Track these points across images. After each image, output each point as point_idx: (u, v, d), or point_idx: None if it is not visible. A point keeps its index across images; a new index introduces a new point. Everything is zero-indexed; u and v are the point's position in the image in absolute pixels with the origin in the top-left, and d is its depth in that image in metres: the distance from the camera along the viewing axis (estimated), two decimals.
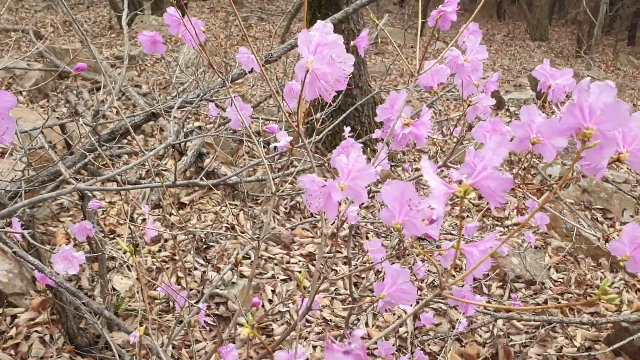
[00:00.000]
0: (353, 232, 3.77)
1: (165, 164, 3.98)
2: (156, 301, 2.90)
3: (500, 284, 3.48)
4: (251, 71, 1.61)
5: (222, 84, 2.07)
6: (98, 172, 2.21)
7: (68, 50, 5.76)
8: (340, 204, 0.69)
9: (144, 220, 3.46)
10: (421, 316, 1.47)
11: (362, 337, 0.91)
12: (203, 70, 4.75)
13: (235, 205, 3.81)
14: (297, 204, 3.94)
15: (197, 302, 2.63)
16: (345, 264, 3.44)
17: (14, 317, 2.61)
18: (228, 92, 1.16)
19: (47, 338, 2.55)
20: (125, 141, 3.82)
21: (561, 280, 3.63)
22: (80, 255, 1.09)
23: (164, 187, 1.19)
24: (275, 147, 1.03)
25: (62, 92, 5.22)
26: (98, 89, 5.06)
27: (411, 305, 1.29)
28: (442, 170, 1.43)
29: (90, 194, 1.83)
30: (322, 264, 3.15)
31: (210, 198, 3.83)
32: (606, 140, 0.50)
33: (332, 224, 0.83)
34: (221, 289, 2.96)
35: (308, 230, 3.73)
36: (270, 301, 3.04)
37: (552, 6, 16.06)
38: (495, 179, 0.48)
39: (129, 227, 2.51)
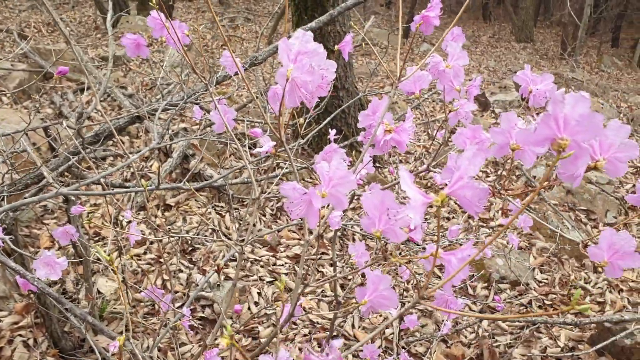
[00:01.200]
0: (339, 234, 3.78)
1: (151, 165, 3.96)
2: (141, 304, 2.88)
3: (486, 284, 3.51)
4: (236, 74, 1.61)
5: (206, 88, 2.06)
6: (82, 174, 2.20)
7: (53, 50, 5.70)
8: (320, 210, 0.69)
9: (129, 222, 3.44)
10: (406, 319, 1.48)
11: (346, 343, 0.91)
12: (188, 73, 4.73)
13: (222, 207, 3.80)
14: (284, 205, 3.93)
15: (181, 306, 2.62)
16: (331, 265, 3.44)
17: None
18: (212, 96, 1.16)
19: (30, 342, 2.52)
20: (110, 143, 3.79)
21: (545, 280, 3.67)
22: (62, 261, 1.09)
23: (146, 190, 1.18)
24: (259, 152, 1.03)
25: (47, 93, 5.17)
26: (82, 90, 5.02)
27: (396, 308, 1.29)
28: (428, 172, 1.45)
29: (73, 198, 1.82)
30: (305, 269, 3.16)
31: (195, 200, 3.82)
32: (581, 151, 0.51)
33: (317, 228, 0.84)
34: (207, 292, 2.95)
35: (294, 232, 3.73)
36: (256, 303, 3.04)
37: (537, 8, 16.21)
38: (471, 188, 0.49)
39: (114, 231, 2.49)
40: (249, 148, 3.97)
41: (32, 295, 2.63)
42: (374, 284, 0.76)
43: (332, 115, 3.23)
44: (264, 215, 3.82)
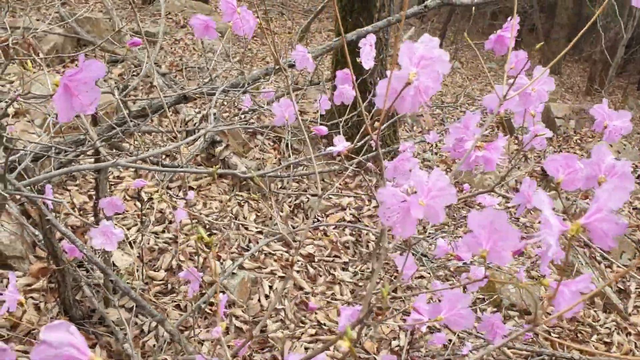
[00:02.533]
0: (353, 240, 3.76)
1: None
2: (154, 282, 2.88)
3: (495, 309, 3.49)
4: (293, 66, 1.60)
5: (266, 74, 2.06)
6: (120, 146, 2.20)
7: (90, 18, 5.72)
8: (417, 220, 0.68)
9: (150, 199, 3.44)
10: (435, 335, 1.46)
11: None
12: (239, 60, 4.73)
13: (241, 196, 3.80)
14: (301, 203, 3.92)
15: (203, 293, 2.62)
16: (344, 269, 3.43)
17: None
18: (290, 93, 1.15)
19: (42, 306, 2.52)
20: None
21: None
22: (119, 232, 1.08)
23: (215, 175, 1.18)
24: (333, 152, 1.02)
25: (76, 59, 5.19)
26: (116, 62, 5.04)
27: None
28: (491, 194, 1.43)
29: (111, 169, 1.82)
30: (315, 269, 3.12)
31: (217, 186, 3.82)
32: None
33: (391, 240, 0.82)
34: (221, 279, 2.94)
35: (309, 232, 3.72)
36: (266, 296, 3.03)
37: (569, 42, 16.11)
38: (610, 222, 0.48)
39: (170, 203, 2.49)
40: (274, 142, 3.96)
41: (49, 259, 2.63)
42: (450, 302, 0.75)
43: (392, 120, 3.21)
44: (281, 211, 3.82)
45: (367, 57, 1.34)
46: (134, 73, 4.84)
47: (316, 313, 3.04)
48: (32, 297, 2.53)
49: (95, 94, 0.66)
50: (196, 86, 2.29)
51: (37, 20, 5.62)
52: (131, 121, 1.82)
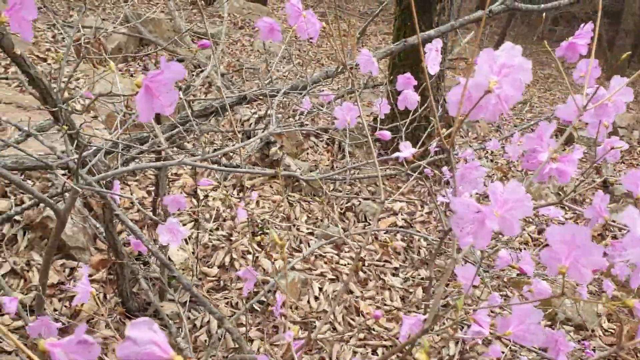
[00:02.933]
0: (404, 245, 3.73)
1: (233, 144, 4.03)
2: (208, 278, 2.94)
3: (549, 323, 3.38)
4: (352, 68, 1.59)
5: (327, 77, 2.07)
6: (181, 145, 2.25)
7: (153, 19, 5.89)
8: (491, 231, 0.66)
9: (205, 196, 3.51)
10: (491, 347, 1.43)
11: None
12: (300, 63, 4.78)
13: (293, 196, 3.82)
14: (353, 206, 3.92)
15: (256, 292, 2.65)
16: (394, 275, 3.40)
17: (72, 269, 2.68)
18: (353, 96, 1.15)
19: (100, 296, 2.61)
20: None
21: (612, 330, 3.50)
22: (184, 230, 1.11)
23: (280, 176, 1.19)
24: (397, 157, 1.01)
25: (141, 59, 5.35)
26: (178, 61, 5.16)
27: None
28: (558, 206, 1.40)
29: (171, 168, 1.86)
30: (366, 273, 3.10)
31: (270, 186, 3.86)
32: None
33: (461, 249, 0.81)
34: (272, 278, 2.97)
35: (360, 235, 3.71)
36: (316, 298, 3.04)
37: (635, 49, 15.49)
38: None
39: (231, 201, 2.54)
40: (327, 144, 3.97)
41: (109, 252, 2.72)
42: (520, 318, 0.73)
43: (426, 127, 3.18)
44: (333, 212, 3.82)
45: (433, 63, 1.32)
46: (194, 73, 4.96)
47: (365, 317, 3.02)
48: (93, 288, 2.62)
49: (174, 96, 0.68)
50: (256, 87, 2.33)
51: (103, 19, 5.83)
52: (193, 120, 1.86)
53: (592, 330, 3.43)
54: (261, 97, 2.06)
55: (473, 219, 0.66)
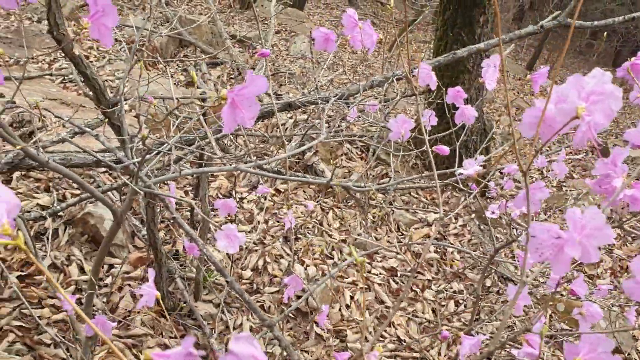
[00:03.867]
0: (438, 257, 3.70)
1: (269, 148, 4.06)
2: (241, 280, 2.96)
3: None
4: (400, 79, 1.59)
5: (371, 87, 2.07)
6: (225, 148, 2.27)
7: (193, 20, 5.96)
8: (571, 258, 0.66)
9: (242, 198, 3.54)
10: None
11: None
12: (343, 71, 4.79)
13: (326, 202, 3.83)
14: (386, 215, 3.91)
15: (289, 302, 2.65)
16: (427, 287, 3.38)
17: (110, 266, 2.73)
18: (417, 108, 1.14)
19: (137, 294, 2.65)
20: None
21: None
22: (242, 236, 1.12)
23: (338, 185, 1.19)
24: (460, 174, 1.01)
25: (181, 60, 5.42)
26: (215, 64, 5.22)
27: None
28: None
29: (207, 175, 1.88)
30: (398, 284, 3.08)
31: (304, 191, 3.87)
32: None
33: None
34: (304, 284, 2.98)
35: (393, 245, 3.70)
36: (347, 306, 3.04)
37: None
38: None
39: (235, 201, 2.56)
40: (362, 151, 3.95)
41: (147, 250, 2.76)
42: (591, 345, 0.72)
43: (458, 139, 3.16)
44: (365, 222, 3.81)
45: (491, 79, 1.31)
46: (232, 76, 5.01)
47: (396, 328, 3.01)
48: (129, 285, 2.66)
49: (256, 109, 0.69)
50: (300, 95, 2.34)
51: (143, 19, 5.93)
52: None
53: (628, 354, 3.35)
54: (306, 105, 2.07)
55: (552, 244, 0.66)
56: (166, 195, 1.11)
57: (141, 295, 0.87)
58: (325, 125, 1.45)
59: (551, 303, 3.62)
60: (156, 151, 1.22)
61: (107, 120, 1.81)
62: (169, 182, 1.41)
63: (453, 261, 3.43)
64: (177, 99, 1.74)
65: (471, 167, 1.00)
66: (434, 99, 3.89)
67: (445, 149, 1.28)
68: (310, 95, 1.94)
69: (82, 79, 1.75)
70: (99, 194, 1.11)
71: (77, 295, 2.56)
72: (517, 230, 2.22)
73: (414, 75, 1.43)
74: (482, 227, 4.29)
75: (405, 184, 2.81)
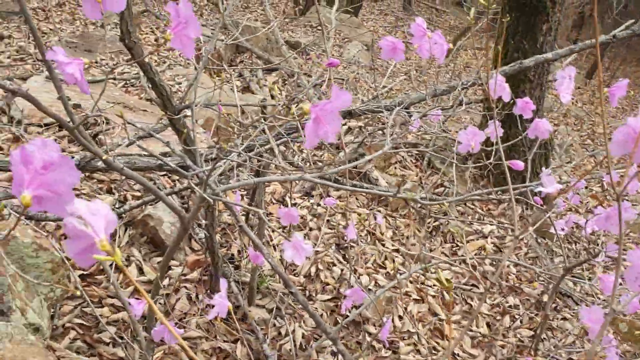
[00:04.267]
0: (493, 270, 3.61)
1: (322, 155, 4.06)
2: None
3: None
4: (466, 88, 1.55)
5: (434, 96, 2.04)
6: (286, 156, 2.28)
7: (249, 26, 6.05)
8: None
9: (294, 204, 3.55)
10: None
11: None
12: (405, 79, 4.76)
13: (379, 211, 3.79)
14: (440, 225, 3.84)
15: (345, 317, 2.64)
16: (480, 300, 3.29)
17: (168, 268, 2.78)
18: (494, 121, 1.11)
19: (193, 296, 2.69)
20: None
21: None
22: (309, 248, 1.12)
23: (407, 198, 1.18)
24: (540, 192, 0.97)
25: (236, 65, 5.50)
26: (271, 71, 5.27)
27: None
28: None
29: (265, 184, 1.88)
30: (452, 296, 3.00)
31: (356, 198, 3.85)
32: None
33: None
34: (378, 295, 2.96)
35: (446, 256, 3.63)
36: (400, 317, 2.99)
37: None
38: None
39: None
40: (422, 163, 3.90)
41: (204, 253, 2.80)
42: None
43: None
44: (419, 231, 3.76)
45: (567, 91, 1.27)
46: (287, 82, 5.04)
47: (449, 341, 2.95)
48: (185, 287, 2.70)
49: (339, 123, 0.68)
50: (360, 103, 2.33)
51: (203, 25, 6.05)
52: (295, 131, 1.88)
53: None
54: (367, 113, 2.06)
55: None
56: (233, 203, 1.11)
57: (212, 305, 0.87)
58: (390, 135, 1.43)
59: (613, 323, 3.47)
60: (225, 159, 1.23)
61: (171, 125, 1.84)
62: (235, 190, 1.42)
63: (532, 281, 3.33)
64: (240, 105, 1.75)
65: (551, 184, 0.96)
66: (493, 108, 3.80)
67: (519, 164, 1.24)
68: (371, 103, 1.92)
69: (150, 85, 1.78)
70: (168, 200, 1.12)
71: (137, 296, 2.63)
72: (591, 248, 2.13)
73: (480, 84, 1.40)
74: (539, 240, 4.16)
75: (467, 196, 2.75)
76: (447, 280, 0.71)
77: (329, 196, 3.15)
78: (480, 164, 1.44)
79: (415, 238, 3.70)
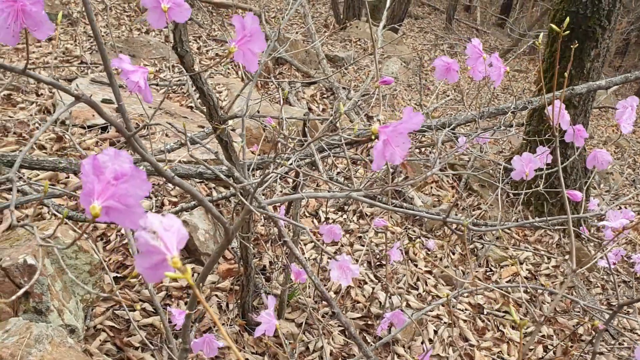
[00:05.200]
0: (527, 297, 3.51)
1: (357, 171, 4.04)
2: (323, 302, 2.93)
3: None
4: (515, 112, 1.51)
5: (482, 117, 2.01)
6: (309, 173, 2.26)
7: (289, 39, 6.08)
8: None
9: (327, 219, 3.53)
10: None
11: None
12: (452, 99, 4.74)
13: (414, 231, 3.74)
14: (475, 249, 3.76)
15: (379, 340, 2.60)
16: (514, 328, 3.21)
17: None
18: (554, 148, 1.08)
19: (223, 305, 2.68)
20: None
21: None
22: (355, 269, 1.09)
23: (458, 222, 1.14)
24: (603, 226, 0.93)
25: (275, 77, 5.53)
26: (310, 83, 5.29)
27: None
28: None
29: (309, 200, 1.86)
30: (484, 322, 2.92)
31: (390, 217, 3.81)
32: None
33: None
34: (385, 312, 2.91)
35: (480, 280, 3.55)
36: (430, 340, 2.93)
37: None
38: None
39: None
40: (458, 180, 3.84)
41: (236, 262, 2.80)
42: None
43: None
44: (453, 254, 3.69)
45: (628, 121, 1.22)
46: (325, 95, 5.05)
47: None
48: (216, 295, 2.70)
49: (407, 146, 0.66)
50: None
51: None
52: (338, 146, 1.87)
53: None
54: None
55: None
56: (280, 217, 1.09)
57: (258, 322, 0.86)
58: (438, 155, 1.40)
59: None
60: (274, 174, 1.21)
61: (215, 135, 1.85)
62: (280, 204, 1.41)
63: (567, 312, 3.24)
64: (285, 119, 1.74)
65: (616, 219, 0.92)
66: (535, 133, 3.74)
67: (577, 195, 1.20)
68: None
69: (198, 94, 1.79)
70: (215, 211, 1.11)
71: (167, 302, 2.63)
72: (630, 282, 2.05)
73: (535, 109, 1.36)
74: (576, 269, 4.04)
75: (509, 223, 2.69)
76: (520, 319, 0.67)
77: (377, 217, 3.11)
78: (530, 191, 1.40)
79: (448, 260, 3.63)
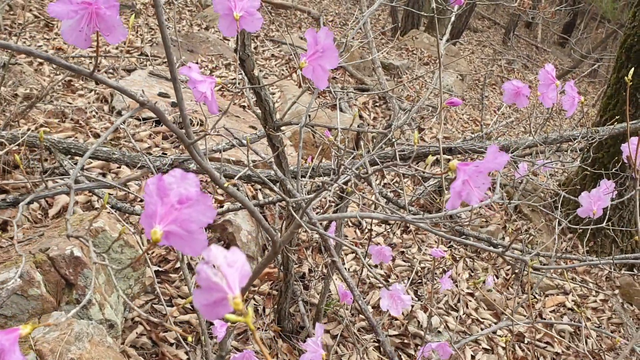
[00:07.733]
0: (571, 330, 3.37)
1: (400, 188, 3.96)
2: (360, 316, 2.88)
3: None
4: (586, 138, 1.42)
5: (545, 142, 1.92)
6: (369, 181, 2.22)
7: (345, 44, 6.04)
8: None
9: (370, 230, 3.47)
10: None
11: None
12: (513, 120, 4.63)
13: (458, 250, 3.65)
14: (519, 274, 3.64)
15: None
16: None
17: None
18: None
19: (260, 309, 2.67)
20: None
21: None
22: (407, 299, 1.05)
23: (519, 259, 1.08)
24: None
25: (329, 81, 5.51)
26: (362, 90, 5.24)
27: None
28: None
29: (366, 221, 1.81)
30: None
31: (434, 233, 3.72)
32: None
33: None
34: (426, 333, 2.84)
35: (524, 309, 3.43)
36: None
37: None
38: None
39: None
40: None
41: (277, 267, 2.78)
42: None
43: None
44: (497, 277, 3.58)
45: None
46: (377, 104, 4.99)
47: None
48: (254, 298, 2.69)
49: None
50: (460, 141, 2.23)
51: (301, 38, 6.12)
52: (390, 159, 1.82)
53: None
54: (468, 152, 1.96)
55: None
56: (330, 236, 1.06)
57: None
58: (498, 183, 1.34)
59: None
60: (325, 190, 1.18)
61: (268, 139, 1.83)
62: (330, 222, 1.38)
63: (613, 349, 3.10)
64: (340, 129, 1.71)
65: None
66: (594, 160, 3.58)
67: None
68: (476, 143, 1.82)
69: (255, 98, 1.78)
70: (265, 223, 1.09)
71: None
72: None
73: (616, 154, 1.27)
74: (625, 305, 3.87)
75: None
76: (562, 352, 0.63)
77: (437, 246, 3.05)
78: (595, 226, 1.32)
79: (494, 284, 3.52)
